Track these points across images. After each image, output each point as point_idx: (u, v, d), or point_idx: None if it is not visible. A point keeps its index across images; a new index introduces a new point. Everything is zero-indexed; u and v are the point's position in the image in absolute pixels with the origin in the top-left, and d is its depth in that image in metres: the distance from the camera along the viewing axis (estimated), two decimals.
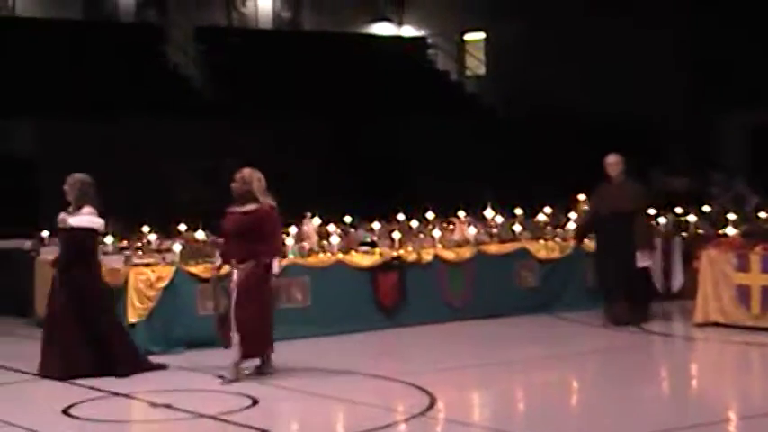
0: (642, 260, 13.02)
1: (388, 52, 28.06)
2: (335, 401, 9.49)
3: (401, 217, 15.02)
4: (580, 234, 13.88)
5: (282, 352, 11.71)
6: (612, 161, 13.29)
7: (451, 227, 14.38)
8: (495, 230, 14.48)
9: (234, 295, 10.14)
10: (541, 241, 14.39)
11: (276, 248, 10.31)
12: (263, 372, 10.34)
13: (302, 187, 21.60)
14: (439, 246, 13.73)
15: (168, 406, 9.15)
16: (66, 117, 21.10)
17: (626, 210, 12.95)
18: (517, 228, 14.42)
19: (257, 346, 10.25)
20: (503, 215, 14.84)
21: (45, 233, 14.55)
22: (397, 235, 13.59)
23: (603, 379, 10.61)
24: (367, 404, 9.26)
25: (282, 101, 24.01)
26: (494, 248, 14.07)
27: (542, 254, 14.22)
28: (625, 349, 11.82)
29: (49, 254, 13.92)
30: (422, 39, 29.93)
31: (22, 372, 10.91)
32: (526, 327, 12.98)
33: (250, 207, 10.24)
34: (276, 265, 10.17)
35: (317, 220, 13.54)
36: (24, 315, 14.25)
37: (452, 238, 14.00)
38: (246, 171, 10.34)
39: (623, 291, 12.93)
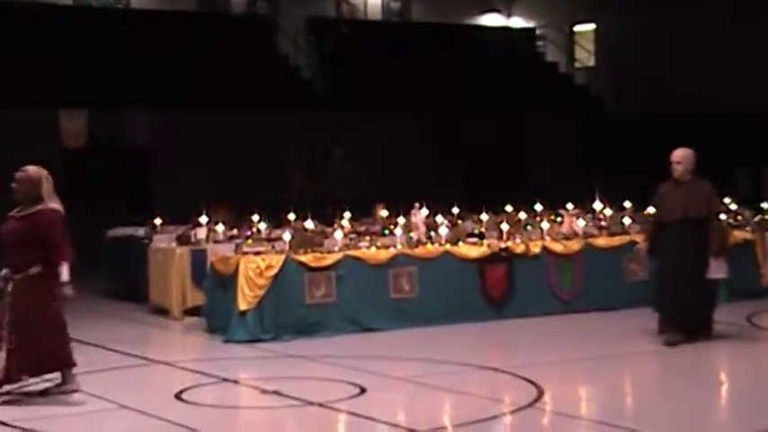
0: (717, 271, 11.22)
1: (496, 43, 27.97)
2: (442, 392, 9.52)
3: (509, 208, 15.01)
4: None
5: (390, 341, 11.82)
6: (681, 157, 11.32)
7: (560, 219, 14.30)
8: (604, 223, 14.36)
9: (9, 309, 8.94)
10: None
11: (64, 254, 8.89)
12: (64, 390, 9.12)
13: (410, 177, 21.71)
14: (547, 238, 13.66)
15: (277, 393, 9.26)
16: (180, 108, 21.48)
17: (699, 214, 11.17)
18: (626, 220, 14.27)
19: (44, 362, 9.03)
20: (612, 208, 14.72)
21: (158, 221, 14.86)
22: (505, 226, 13.55)
23: (712, 374, 10.46)
24: (474, 395, 9.26)
25: (391, 92, 24.11)
26: (602, 241, 13.94)
27: None
28: (737, 344, 11.58)
29: (162, 241, 14.26)
30: (531, 30, 29.77)
31: (137, 356, 11.17)
32: (635, 320, 12.81)
33: (31, 210, 8.98)
34: (65, 272, 8.87)
35: (425, 211, 13.56)
36: (139, 301, 14.56)
37: (561, 231, 13.91)
38: (32, 169, 9.03)
39: (691, 308, 11.23)
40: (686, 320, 11.26)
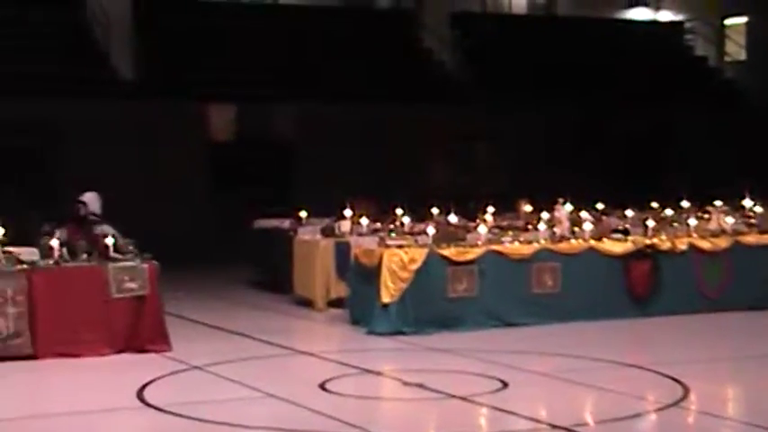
0: None
1: (644, 37, 27.54)
2: (585, 388, 9.45)
3: (654, 204, 14.80)
4: None
5: (532, 337, 11.77)
6: None
7: (707, 216, 14.03)
8: (753, 220, 14.03)
9: None
10: None
11: None
12: None
13: (553, 172, 21.54)
14: (694, 235, 13.41)
15: (420, 385, 9.31)
16: (324, 102, 21.71)
17: None
18: None
19: None
20: (762, 205, 14.37)
21: (303, 213, 15.06)
22: (650, 223, 13.35)
23: None
24: (617, 392, 9.17)
25: (535, 86, 23.95)
26: (752, 239, 13.62)
27: None
28: None
29: (307, 234, 14.45)
30: (679, 23, 29.24)
31: (282, 346, 11.36)
32: None
33: None
34: None
35: (568, 206, 13.46)
36: (283, 292, 14.79)
37: (708, 228, 13.65)
38: None
39: None
40: None
